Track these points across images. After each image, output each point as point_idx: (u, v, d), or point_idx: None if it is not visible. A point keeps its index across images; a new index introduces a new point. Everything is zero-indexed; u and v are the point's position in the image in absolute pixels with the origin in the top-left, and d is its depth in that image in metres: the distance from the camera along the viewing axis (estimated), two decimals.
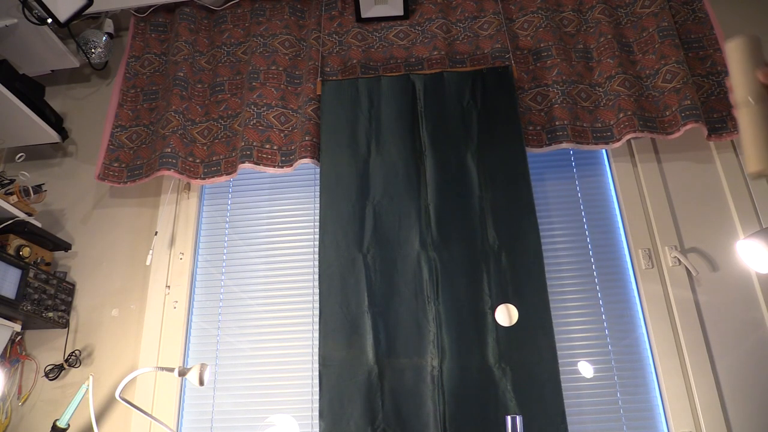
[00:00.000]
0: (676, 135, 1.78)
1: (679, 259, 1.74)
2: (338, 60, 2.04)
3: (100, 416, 1.73)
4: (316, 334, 1.68)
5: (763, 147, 0.86)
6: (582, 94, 1.91)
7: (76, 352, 1.81)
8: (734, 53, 0.92)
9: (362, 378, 1.58)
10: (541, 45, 1.99)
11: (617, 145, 1.83)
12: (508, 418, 1.28)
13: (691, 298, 1.71)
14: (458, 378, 1.55)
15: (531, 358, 1.56)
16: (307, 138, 1.87)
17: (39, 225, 1.85)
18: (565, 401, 1.52)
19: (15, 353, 1.79)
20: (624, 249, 1.83)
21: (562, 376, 1.55)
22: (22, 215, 1.79)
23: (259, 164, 1.87)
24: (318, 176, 1.88)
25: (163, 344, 1.80)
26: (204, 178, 1.93)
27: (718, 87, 1.88)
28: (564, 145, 1.83)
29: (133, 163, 1.98)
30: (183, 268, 1.89)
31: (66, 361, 1.79)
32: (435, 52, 2.03)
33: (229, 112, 2.03)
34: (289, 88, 2.03)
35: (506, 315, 1.56)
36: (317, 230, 1.78)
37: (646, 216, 1.83)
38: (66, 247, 1.94)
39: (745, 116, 0.89)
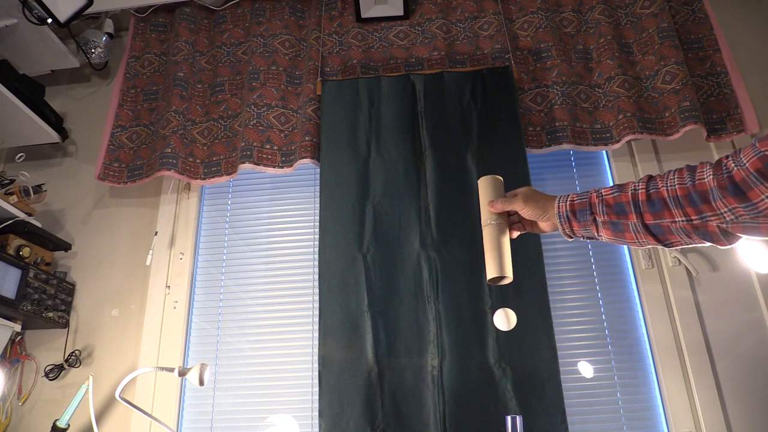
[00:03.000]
0: (676, 136, 1.78)
1: (679, 259, 1.75)
2: (338, 60, 2.04)
3: (100, 416, 1.73)
4: (316, 334, 1.68)
5: (497, 258, 1.03)
6: (582, 95, 1.92)
7: (76, 352, 1.81)
8: (480, 187, 1.11)
9: (362, 378, 1.58)
10: (541, 45, 1.99)
11: (617, 146, 1.83)
12: (508, 417, 1.28)
13: (691, 298, 1.71)
14: (458, 378, 1.55)
15: (531, 358, 1.56)
16: (307, 138, 1.87)
17: (39, 225, 1.85)
18: (565, 401, 1.52)
19: (15, 353, 1.79)
20: (624, 249, 1.83)
21: (562, 376, 1.55)
22: (22, 215, 1.78)
23: (259, 164, 1.87)
24: (318, 176, 1.88)
25: (163, 344, 1.80)
26: (204, 179, 1.93)
27: (718, 88, 1.88)
28: (564, 146, 1.83)
29: (134, 164, 1.98)
30: (183, 268, 1.89)
31: (66, 361, 1.79)
32: (435, 53, 2.03)
33: (230, 113, 2.03)
34: (289, 88, 2.03)
35: (504, 319, 1.55)
36: (317, 230, 1.78)
37: None
38: (66, 247, 1.94)
39: (486, 233, 1.07)
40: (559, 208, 1.00)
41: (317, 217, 1.82)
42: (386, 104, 1.88)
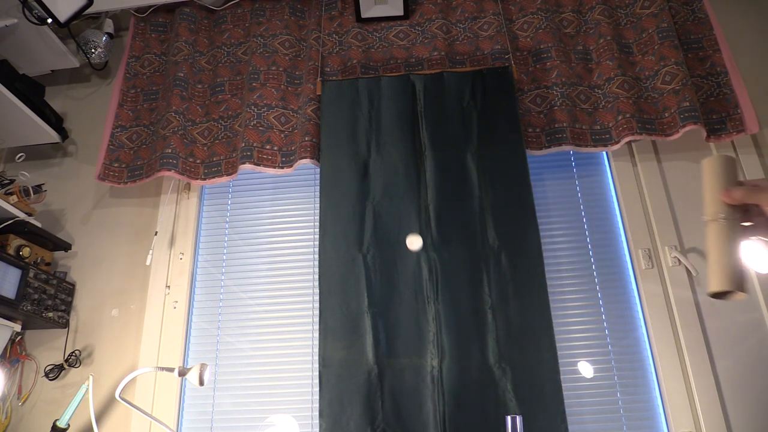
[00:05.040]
0: (676, 136, 1.78)
1: (679, 259, 1.75)
2: (338, 60, 2.04)
3: (100, 416, 1.73)
4: (316, 334, 1.68)
5: (728, 266, 0.81)
6: (581, 96, 1.91)
7: (76, 352, 1.81)
8: (708, 170, 0.85)
9: (362, 378, 1.58)
10: (541, 46, 1.99)
11: (616, 147, 1.83)
12: (508, 418, 1.28)
13: (691, 298, 1.71)
14: (458, 378, 1.55)
15: (531, 358, 1.56)
16: (307, 138, 1.87)
17: (39, 225, 1.85)
18: (565, 401, 1.52)
19: (15, 353, 1.79)
20: (624, 249, 1.83)
21: (562, 376, 1.55)
22: (22, 215, 1.78)
23: (259, 165, 1.87)
24: (318, 177, 1.88)
25: (163, 344, 1.80)
26: (204, 179, 1.93)
27: (718, 88, 1.88)
28: (563, 148, 1.83)
29: (134, 164, 1.98)
30: (183, 268, 1.89)
31: (66, 361, 1.79)
32: (435, 53, 2.03)
33: (230, 113, 2.03)
34: (289, 88, 2.03)
35: None
36: (317, 230, 1.78)
37: (646, 216, 1.83)
38: (66, 247, 1.94)
39: (713, 231, 0.83)
40: None
41: (317, 218, 1.82)
42: (386, 104, 1.88)
